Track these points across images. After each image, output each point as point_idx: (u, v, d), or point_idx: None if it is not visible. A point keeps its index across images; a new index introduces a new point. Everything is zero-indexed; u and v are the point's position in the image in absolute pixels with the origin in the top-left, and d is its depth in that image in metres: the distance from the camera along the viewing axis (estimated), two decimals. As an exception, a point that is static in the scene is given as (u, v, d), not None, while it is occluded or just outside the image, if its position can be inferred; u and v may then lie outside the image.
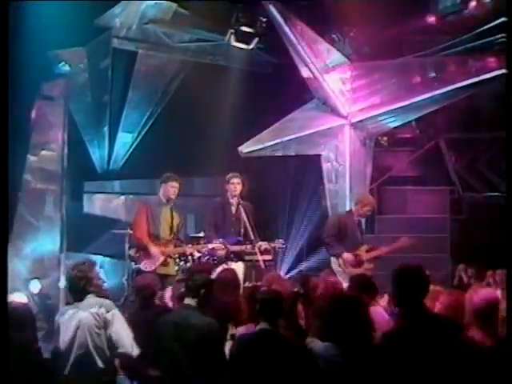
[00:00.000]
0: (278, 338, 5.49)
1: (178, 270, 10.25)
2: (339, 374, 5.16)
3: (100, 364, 5.71)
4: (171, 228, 9.94)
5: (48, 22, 10.68)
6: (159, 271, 9.51)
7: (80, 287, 5.90)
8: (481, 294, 5.47)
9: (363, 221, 11.65)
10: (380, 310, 6.70)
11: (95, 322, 5.74)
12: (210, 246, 9.97)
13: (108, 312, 5.78)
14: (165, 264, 9.51)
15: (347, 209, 11.86)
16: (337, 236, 10.36)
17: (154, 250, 9.59)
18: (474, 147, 14.42)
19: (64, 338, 5.79)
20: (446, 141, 14.19)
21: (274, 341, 5.45)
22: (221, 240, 9.95)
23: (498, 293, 6.71)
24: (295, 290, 7.01)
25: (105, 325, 5.76)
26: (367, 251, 10.51)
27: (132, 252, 10.24)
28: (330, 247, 10.45)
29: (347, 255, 10.21)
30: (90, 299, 5.85)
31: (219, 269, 8.97)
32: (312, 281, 7.22)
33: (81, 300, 5.88)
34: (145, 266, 9.67)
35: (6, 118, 6.66)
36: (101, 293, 6.06)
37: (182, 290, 6.65)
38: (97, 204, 13.90)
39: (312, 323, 5.90)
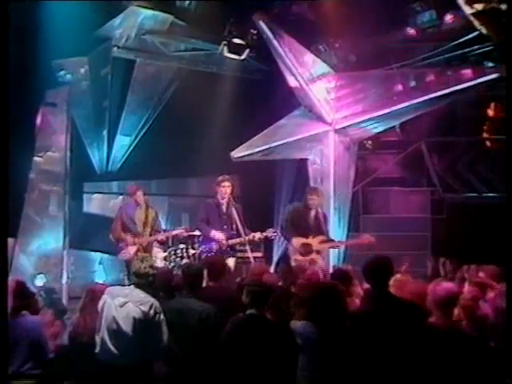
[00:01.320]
0: (264, 320, 6.15)
1: (174, 266, 11.10)
2: (315, 348, 5.87)
3: (135, 348, 6.25)
4: (145, 224, 11.15)
5: (52, 33, 11.25)
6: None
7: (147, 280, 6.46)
8: (441, 286, 6.23)
9: (346, 218, 12.33)
10: None
11: (142, 317, 6.21)
12: (174, 232, 11.39)
13: (156, 314, 6.26)
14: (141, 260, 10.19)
15: (331, 209, 12.52)
16: (292, 224, 11.00)
17: (128, 240, 10.93)
18: (454, 150, 14.61)
19: (109, 321, 6.30)
20: (427, 144, 14.43)
21: (261, 323, 6.11)
22: (181, 246, 11.34)
23: (466, 286, 7.53)
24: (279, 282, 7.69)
25: (150, 323, 6.25)
26: (321, 242, 11.02)
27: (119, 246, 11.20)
28: (284, 232, 11.16)
29: (295, 241, 10.83)
30: (141, 294, 6.35)
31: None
32: (293, 272, 7.94)
33: (136, 286, 6.41)
34: (123, 255, 10.95)
35: (7, 120, 7.11)
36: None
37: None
38: (96, 204, 14.27)
39: (294, 311, 6.58)
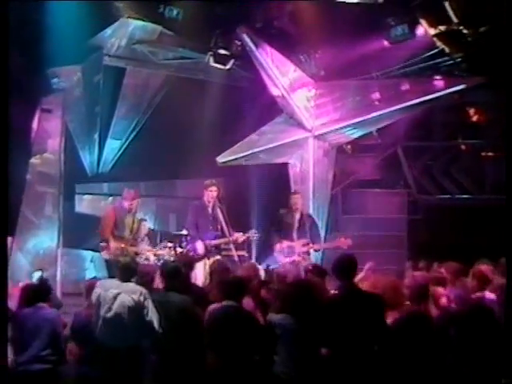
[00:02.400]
0: (239, 310, 6.89)
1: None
2: (293, 337, 6.61)
3: (129, 333, 7.03)
4: (131, 230, 11.44)
5: (48, 43, 11.57)
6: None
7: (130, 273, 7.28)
8: (414, 279, 7.03)
9: (325, 219, 13.10)
10: None
11: (134, 305, 7.03)
12: (159, 251, 11.50)
13: (145, 300, 7.07)
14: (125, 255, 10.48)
15: (311, 210, 13.08)
16: (278, 227, 11.70)
17: (112, 244, 11.14)
18: (429, 154, 15.20)
19: (105, 310, 7.06)
20: (404, 148, 14.99)
21: (236, 313, 6.84)
22: (169, 244, 11.56)
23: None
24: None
25: (141, 309, 7.05)
26: (303, 245, 11.62)
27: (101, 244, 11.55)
28: (270, 236, 11.81)
29: (279, 245, 11.52)
30: (131, 285, 7.19)
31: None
32: (274, 271, 8.65)
33: (124, 280, 7.22)
34: (104, 254, 11.32)
35: (7, 124, 7.62)
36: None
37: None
38: (88, 204, 14.68)
39: (272, 303, 7.31)
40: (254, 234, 11.66)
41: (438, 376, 6.81)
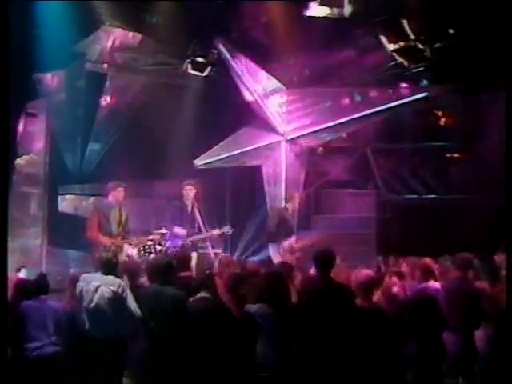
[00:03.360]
0: (210, 301, 7.48)
1: (143, 261, 12.06)
2: (271, 327, 7.27)
3: (110, 323, 7.59)
4: (119, 223, 11.63)
5: (34, 49, 11.65)
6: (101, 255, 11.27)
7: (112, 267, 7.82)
8: (361, 273, 7.69)
9: (296, 218, 13.31)
10: None
11: (113, 296, 7.58)
12: (150, 237, 11.80)
13: (123, 292, 7.61)
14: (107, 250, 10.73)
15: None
16: (278, 227, 12.24)
17: (105, 242, 11.22)
18: (397, 156, 15.88)
19: (87, 302, 7.61)
20: (373, 151, 15.66)
21: (208, 303, 7.44)
22: (149, 242, 11.74)
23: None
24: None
25: (120, 299, 7.59)
26: (297, 242, 12.33)
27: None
28: (272, 236, 12.29)
29: (287, 243, 12.09)
30: (111, 278, 7.70)
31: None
32: (249, 266, 9.29)
33: (105, 273, 7.74)
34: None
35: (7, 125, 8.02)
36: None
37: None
38: (70, 204, 14.97)
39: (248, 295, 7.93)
40: (228, 230, 12.15)
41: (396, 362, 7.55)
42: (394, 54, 11.79)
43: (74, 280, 7.97)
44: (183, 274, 8.50)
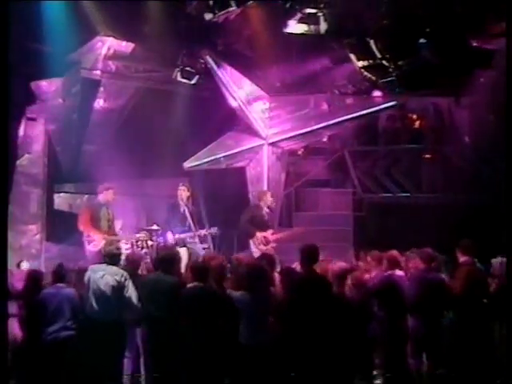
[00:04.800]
0: (204, 288, 8.45)
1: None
2: (251, 311, 8.23)
3: (114, 308, 8.51)
4: (108, 221, 12.52)
5: (33, 57, 12.57)
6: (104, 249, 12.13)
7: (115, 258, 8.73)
8: (337, 265, 8.73)
9: (277, 215, 14.44)
10: None
11: (116, 284, 8.51)
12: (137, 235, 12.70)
13: (125, 280, 8.54)
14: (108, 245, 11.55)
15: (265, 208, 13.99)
16: (250, 222, 12.97)
17: (97, 235, 12.14)
18: (372, 157, 16.39)
19: (94, 289, 8.55)
20: (350, 152, 16.19)
21: (202, 290, 8.42)
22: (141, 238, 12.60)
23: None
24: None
25: (122, 287, 8.51)
26: (272, 234, 13.06)
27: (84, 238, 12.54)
28: (245, 230, 13.05)
29: (259, 235, 12.80)
30: (114, 268, 8.65)
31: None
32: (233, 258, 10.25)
33: (109, 264, 8.64)
34: (93, 246, 12.23)
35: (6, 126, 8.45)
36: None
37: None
38: (64, 202, 15.53)
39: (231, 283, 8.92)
40: (215, 231, 12.98)
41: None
42: (362, 70, 12.69)
43: (82, 270, 8.93)
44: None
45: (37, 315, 8.67)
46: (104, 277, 8.61)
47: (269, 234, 13.04)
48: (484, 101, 14.58)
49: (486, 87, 13.86)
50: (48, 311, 8.65)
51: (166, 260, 9.03)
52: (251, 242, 12.94)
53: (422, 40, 12.33)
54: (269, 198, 13.18)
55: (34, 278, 9.11)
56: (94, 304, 8.57)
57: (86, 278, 8.71)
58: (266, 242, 12.89)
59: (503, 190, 9.53)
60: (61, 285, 8.90)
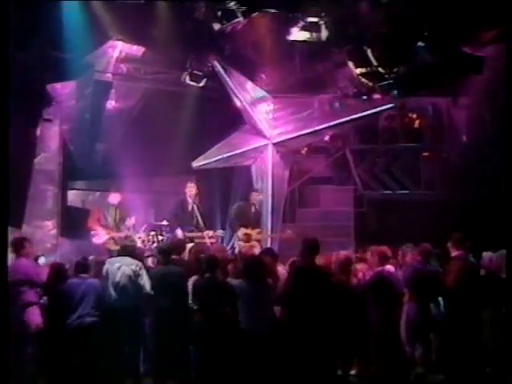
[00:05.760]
0: (215, 280, 9.24)
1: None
2: (249, 299, 8.95)
3: (130, 295, 9.32)
4: (114, 220, 13.56)
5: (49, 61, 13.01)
6: (108, 246, 13.13)
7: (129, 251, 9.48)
8: (342, 254, 9.42)
9: (281, 211, 15.01)
10: None
11: (132, 274, 9.35)
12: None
13: (140, 269, 9.38)
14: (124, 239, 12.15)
15: (269, 204, 15.07)
16: (237, 218, 13.71)
17: (100, 231, 13.31)
18: (372, 156, 16.83)
19: (112, 279, 9.35)
20: (351, 150, 16.68)
21: (214, 281, 9.20)
22: (152, 233, 13.48)
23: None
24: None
25: (137, 276, 9.34)
26: (258, 233, 13.80)
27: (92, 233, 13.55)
28: (231, 225, 13.78)
29: (239, 232, 13.54)
30: (129, 259, 9.48)
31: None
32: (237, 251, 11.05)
33: (124, 256, 9.45)
34: (95, 240, 13.34)
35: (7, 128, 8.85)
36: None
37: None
38: (77, 198, 16.25)
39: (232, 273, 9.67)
40: (221, 233, 13.78)
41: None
42: (360, 76, 13.28)
43: (99, 263, 9.64)
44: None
45: (62, 303, 9.39)
46: (121, 268, 9.41)
47: (254, 232, 13.70)
48: (480, 100, 15.15)
49: (482, 88, 14.41)
50: (73, 299, 9.37)
51: (167, 252, 9.88)
52: (234, 236, 13.68)
53: (419, 43, 12.90)
54: (257, 198, 13.88)
55: (58, 269, 9.79)
56: (113, 293, 9.38)
57: (104, 270, 9.48)
58: (248, 239, 13.51)
59: (503, 186, 10.00)
60: (85, 275, 9.62)
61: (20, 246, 9.88)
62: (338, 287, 9.20)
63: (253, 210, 14.06)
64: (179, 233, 13.30)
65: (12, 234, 12.34)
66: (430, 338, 10.12)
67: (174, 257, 10.08)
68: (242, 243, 13.41)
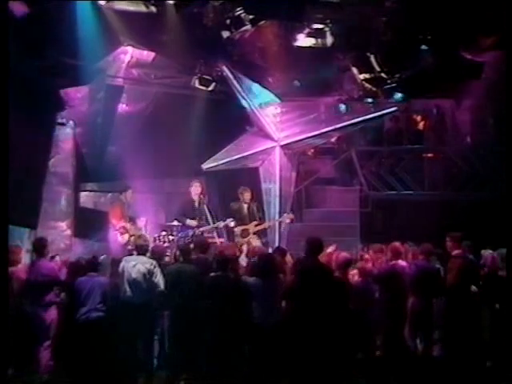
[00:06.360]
0: (227, 277, 9.64)
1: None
2: (262, 294, 9.37)
3: (145, 291, 9.74)
4: (129, 218, 13.64)
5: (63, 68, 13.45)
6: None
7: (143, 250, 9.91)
8: (341, 255, 9.81)
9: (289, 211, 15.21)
10: None
11: (147, 272, 9.77)
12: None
13: (154, 268, 9.80)
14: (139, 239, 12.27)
15: (277, 203, 15.41)
16: (233, 216, 14.06)
17: (128, 227, 13.33)
18: (377, 157, 17.16)
19: (128, 276, 9.76)
20: (357, 152, 16.99)
21: (225, 279, 9.62)
22: (163, 233, 13.64)
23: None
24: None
25: (151, 274, 9.76)
26: (256, 225, 14.17)
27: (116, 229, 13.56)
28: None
29: (236, 229, 13.96)
30: (145, 258, 9.91)
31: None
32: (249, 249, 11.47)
33: (139, 255, 9.89)
34: (123, 238, 13.26)
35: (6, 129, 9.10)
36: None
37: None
38: (89, 200, 16.40)
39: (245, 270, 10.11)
40: (231, 222, 13.96)
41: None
42: (363, 82, 13.67)
43: (116, 261, 10.10)
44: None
45: (72, 299, 9.90)
46: (136, 265, 9.84)
47: (251, 226, 14.13)
48: (483, 103, 15.52)
49: (485, 91, 14.76)
50: (81, 295, 9.85)
51: (184, 252, 10.37)
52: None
53: (421, 47, 13.30)
54: (248, 195, 14.15)
55: (76, 267, 10.23)
56: (128, 289, 9.78)
57: (120, 268, 9.91)
58: (246, 234, 13.99)
59: (505, 187, 10.47)
60: (93, 273, 10.08)
61: (43, 247, 10.41)
62: (339, 284, 9.58)
63: (245, 207, 14.38)
64: (192, 223, 13.62)
65: (31, 235, 13.47)
66: (431, 333, 10.47)
67: (195, 256, 10.50)
68: (240, 239, 13.87)
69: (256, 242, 13.44)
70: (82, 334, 9.76)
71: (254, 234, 14.13)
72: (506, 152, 10.33)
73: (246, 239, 13.80)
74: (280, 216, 15.37)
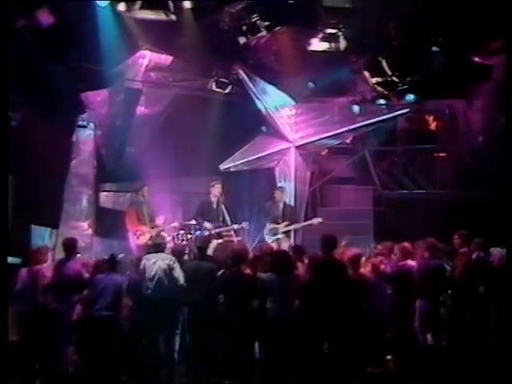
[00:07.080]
0: (240, 273, 10.06)
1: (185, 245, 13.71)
2: (277, 290, 9.73)
3: (166, 286, 10.16)
4: (149, 215, 13.99)
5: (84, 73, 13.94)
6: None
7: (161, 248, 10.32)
8: (351, 251, 10.16)
9: (304, 210, 15.74)
10: None
11: (167, 267, 10.20)
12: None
13: (174, 263, 10.22)
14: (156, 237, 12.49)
15: (293, 203, 15.68)
16: (265, 215, 14.50)
17: (144, 230, 13.70)
18: (390, 157, 17.32)
19: (149, 273, 10.19)
20: (370, 152, 17.18)
21: (239, 275, 10.04)
22: (181, 232, 13.94)
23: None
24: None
25: (171, 269, 10.18)
26: (286, 226, 14.45)
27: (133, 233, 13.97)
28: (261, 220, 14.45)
29: (267, 227, 14.32)
30: (164, 255, 10.36)
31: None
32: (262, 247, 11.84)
33: (157, 252, 10.28)
34: (140, 240, 13.66)
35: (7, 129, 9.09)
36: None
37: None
38: (109, 200, 16.56)
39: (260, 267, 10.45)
40: (246, 225, 14.30)
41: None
42: (375, 85, 13.99)
43: (138, 260, 10.52)
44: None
45: (88, 296, 10.31)
46: (156, 262, 10.28)
47: (282, 225, 14.42)
48: (494, 103, 15.70)
49: (496, 91, 14.94)
50: (95, 293, 10.22)
51: (201, 249, 10.81)
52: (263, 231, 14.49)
53: (432, 49, 13.59)
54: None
55: (95, 267, 10.66)
56: (150, 285, 10.22)
57: (141, 266, 10.32)
58: (275, 232, 14.40)
59: (505, 186, 10.56)
60: (110, 272, 10.43)
61: (72, 247, 10.81)
62: (353, 280, 9.94)
63: (280, 206, 14.64)
64: (208, 225, 13.91)
65: (53, 235, 13.98)
66: (440, 328, 10.77)
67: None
68: (268, 237, 14.26)
69: (285, 242, 13.76)
70: (94, 330, 10.14)
71: (284, 233, 14.41)
72: (506, 152, 10.41)
73: (274, 237, 14.15)
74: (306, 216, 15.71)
